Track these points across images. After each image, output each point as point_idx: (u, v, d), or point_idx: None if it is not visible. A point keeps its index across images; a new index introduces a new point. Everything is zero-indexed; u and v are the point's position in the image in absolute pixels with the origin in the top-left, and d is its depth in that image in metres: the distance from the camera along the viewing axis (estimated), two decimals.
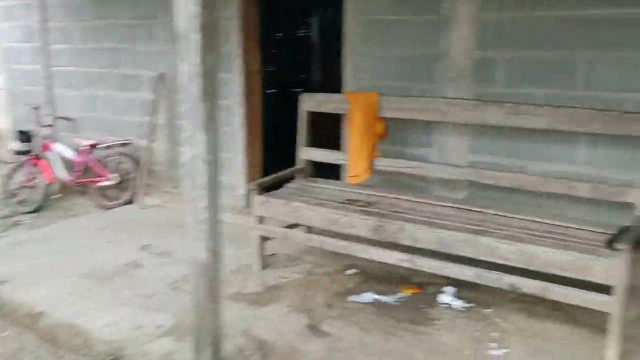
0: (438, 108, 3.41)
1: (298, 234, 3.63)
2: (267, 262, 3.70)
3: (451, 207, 3.39)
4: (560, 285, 2.73)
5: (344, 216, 3.28)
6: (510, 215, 3.19)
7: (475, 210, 3.30)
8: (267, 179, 3.74)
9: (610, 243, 2.63)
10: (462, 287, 3.22)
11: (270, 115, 5.13)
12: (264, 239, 3.62)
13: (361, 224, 3.21)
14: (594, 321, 2.78)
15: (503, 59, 3.40)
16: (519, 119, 3.16)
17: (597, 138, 3.13)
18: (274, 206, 3.50)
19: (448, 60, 3.58)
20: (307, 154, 3.90)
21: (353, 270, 3.63)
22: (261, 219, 3.58)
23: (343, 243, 3.36)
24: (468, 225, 3.07)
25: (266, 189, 3.66)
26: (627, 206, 2.96)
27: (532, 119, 3.12)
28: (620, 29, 3.04)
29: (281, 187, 3.78)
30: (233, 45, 4.44)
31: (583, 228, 2.99)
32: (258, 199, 3.52)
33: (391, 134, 3.77)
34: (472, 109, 3.32)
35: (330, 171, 4.05)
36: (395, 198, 3.55)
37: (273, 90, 6.33)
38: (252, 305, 3.20)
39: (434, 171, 3.54)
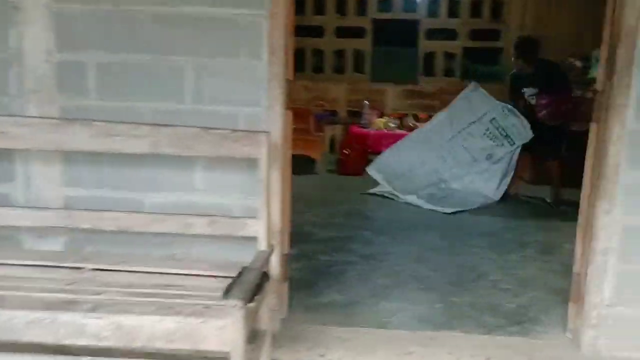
0: (4, 131, 2.43)
1: None
2: None
3: (40, 265, 2.46)
4: None
5: None
6: (116, 268, 2.42)
7: (70, 267, 2.44)
8: None
9: (225, 295, 2.08)
10: None
11: None
12: None
13: None
14: None
15: (95, 64, 2.62)
16: (114, 141, 2.41)
17: (213, 161, 2.61)
18: None
19: (23, 64, 2.63)
20: None
21: None
22: None
23: None
24: (54, 293, 2.20)
25: None
26: (252, 240, 2.49)
27: (130, 142, 2.41)
28: (225, 31, 2.57)
29: None
30: None
31: (206, 274, 2.41)
32: None
33: None
34: (51, 130, 2.43)
35: None
36: None
37: None
38: None
39: (14, 218, 2.55)
